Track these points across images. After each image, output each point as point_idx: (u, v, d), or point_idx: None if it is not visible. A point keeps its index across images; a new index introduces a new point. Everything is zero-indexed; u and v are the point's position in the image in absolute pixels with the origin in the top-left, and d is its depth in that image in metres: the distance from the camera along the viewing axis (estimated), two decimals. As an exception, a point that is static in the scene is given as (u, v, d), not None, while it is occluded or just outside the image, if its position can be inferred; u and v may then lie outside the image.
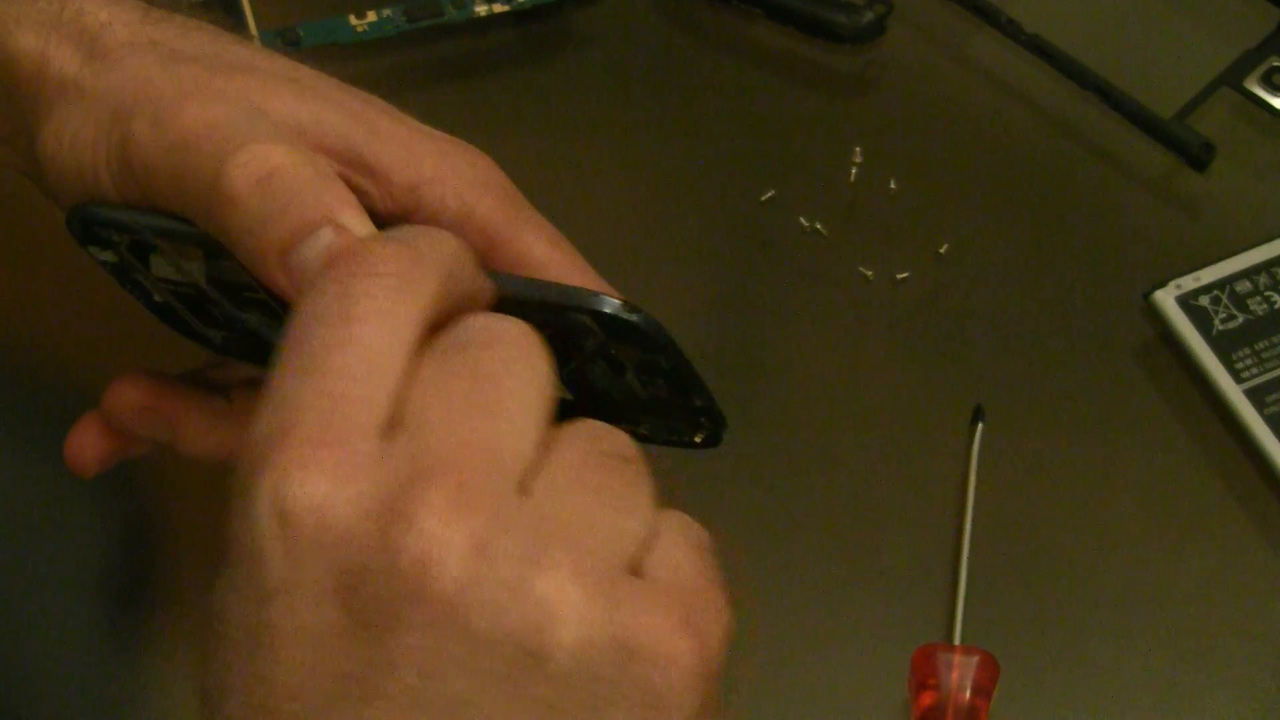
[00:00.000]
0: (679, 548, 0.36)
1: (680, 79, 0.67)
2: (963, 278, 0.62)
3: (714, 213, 0.64)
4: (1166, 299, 0.59)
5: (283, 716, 0.33)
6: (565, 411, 0.37)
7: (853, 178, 0.63)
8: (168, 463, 0.49)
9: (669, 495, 0.57)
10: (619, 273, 0.44)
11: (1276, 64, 0.64)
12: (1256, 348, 0.58)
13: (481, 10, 0.66)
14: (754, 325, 0.61)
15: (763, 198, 0.63)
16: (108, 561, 0.56)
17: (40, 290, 0.60)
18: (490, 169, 0.44)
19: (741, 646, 0.56)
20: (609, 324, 0.40)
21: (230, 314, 0.44)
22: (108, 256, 0.44)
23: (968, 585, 0.54)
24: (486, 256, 0.43)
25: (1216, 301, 0.58)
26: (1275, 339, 0.58)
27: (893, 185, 0.63)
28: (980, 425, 0.57)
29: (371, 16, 0.65)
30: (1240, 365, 0.57)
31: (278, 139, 0.41)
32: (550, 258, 0.44)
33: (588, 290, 0.40)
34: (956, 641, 0.53)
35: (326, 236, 0.39)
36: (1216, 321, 0.58)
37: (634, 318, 0.40)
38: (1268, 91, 0.63)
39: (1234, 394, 0.57)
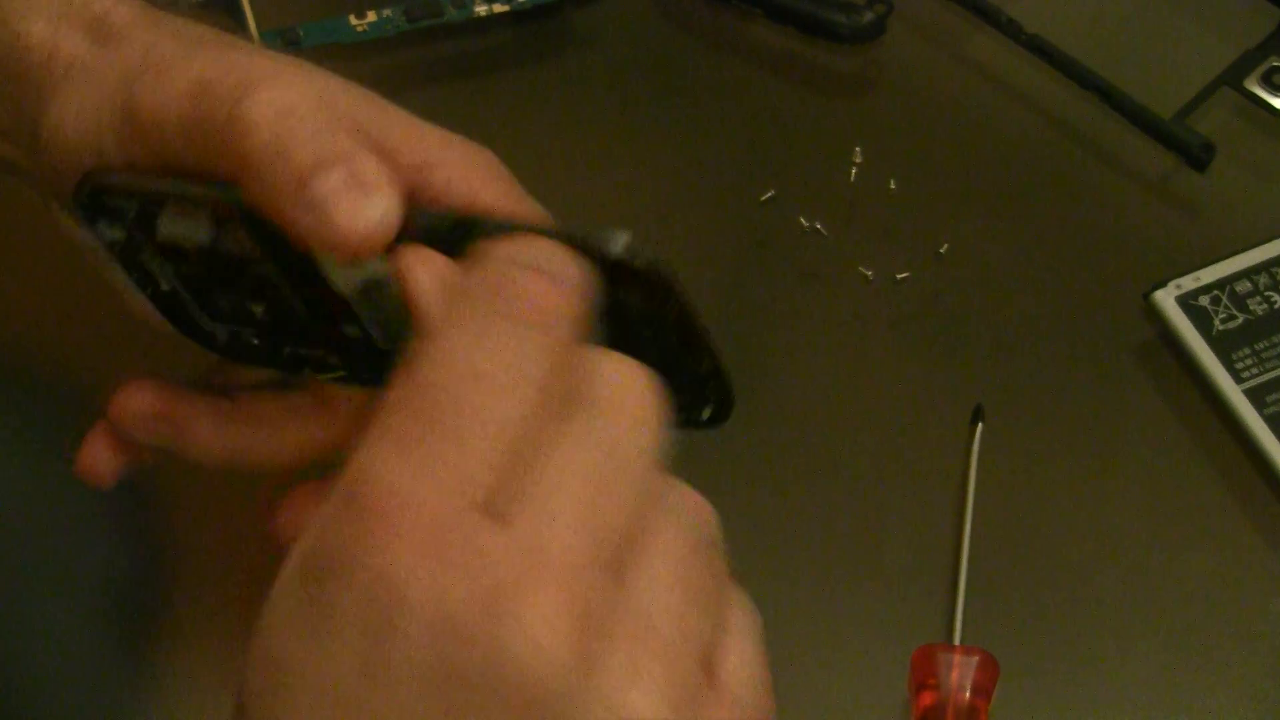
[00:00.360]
0: (748, 644, 0.35)
1: (680, 79, 0.67)
2: (963, 278, 0.62)
3: (714, 212, 0.64)
4: (1166, 299, 0.59)
5: None
6: None
7: (853, 178, 0.63)
8: (171, 468, 0.48)
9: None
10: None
11: (1276, 64, 0.64)
12: (1256, 348, 0.58)
13: (481, 10, 0.66)
14: (754, 325, 0.61)
15: (763, 197, 0.63)
16: (110, 565, 0.56)
17: (41, 292, 0.60)
18: (494, 161, 0.44)
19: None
20: (615, 268, 0.37)
21: (236, 304, 0.44)
22: (116, 234, 0.43)
23: (968, 585, 0.54)
24: None
25: (1216, 301, 0.58)
26: (1275, 339, 0.58)
27: (893, 185, 0.63)
28: (980, 425, 0.57)
29: (371, 16, 0.65)
30: (1240, 365, 0.57)
31: (293, 86, 0.41)
32: None
33: (597, 229, 0.38)
34: (956, 641, 0.53)
35: (342, 173, 0.39)
36: (1216, 321, 0.58)
37: (642, 261, 0.37)
38: (1268, 91, 0.63)
39: (1234, 394, 0.57)
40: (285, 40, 0.64)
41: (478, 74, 0.67)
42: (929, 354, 0.60)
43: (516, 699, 0.31)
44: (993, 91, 0.66)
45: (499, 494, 0.33)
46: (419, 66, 0.67)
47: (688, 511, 0.35)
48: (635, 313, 0.39)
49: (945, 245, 0.62)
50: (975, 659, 0.51)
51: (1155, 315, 0.59)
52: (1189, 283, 0.59)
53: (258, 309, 0.43)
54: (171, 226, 0.43)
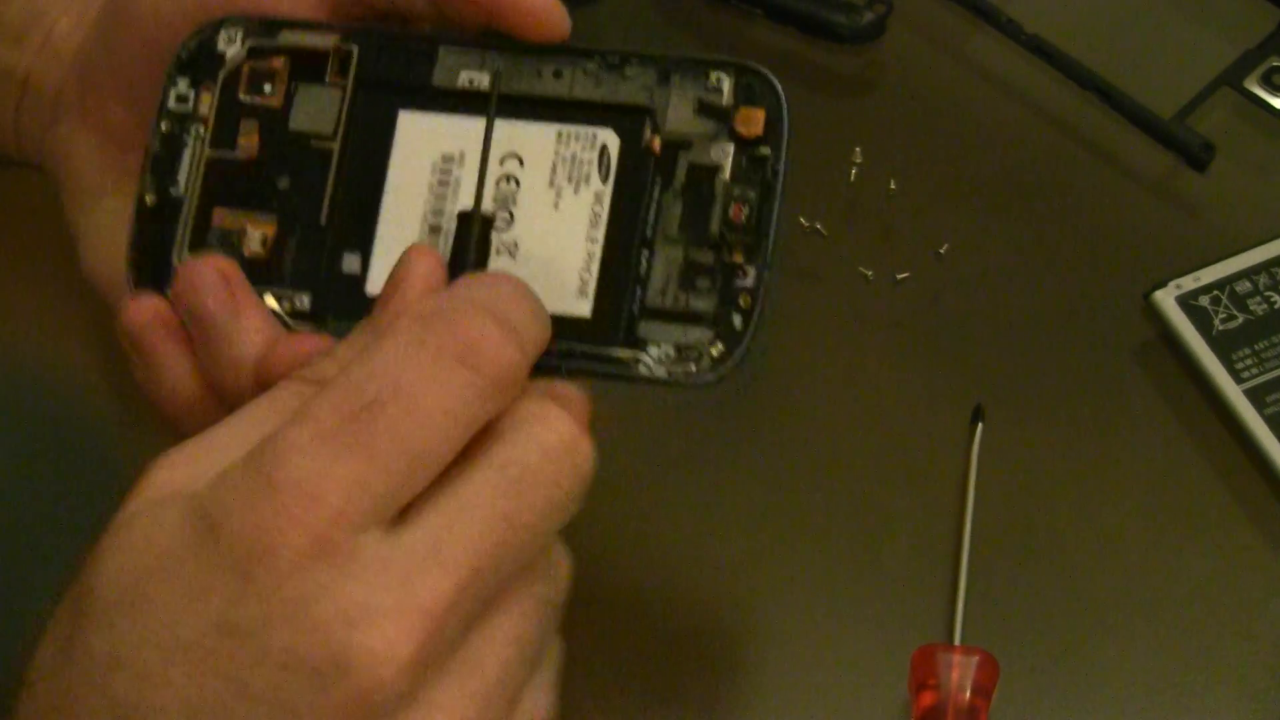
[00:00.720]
0: (549, 676, 0.38)
1: (680, 79, 0.67)
2: (963, 278, 0.62)
3: (714, 213, 0.63)
4: (1166, 299, 0.59)
5: None
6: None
7: (853, 178, 0.63)
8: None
9: (670, 495, 0.57)
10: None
11: (1276, 64, 0.64)
12: (1256, 348, 0.58)
13: (481, 10, 0.66)
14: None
15: (763, 198, 0.63)
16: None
17: (41, 292, 0.60)
18: None
19: (742, 646, 0.56)
20: (743, 88, 0.43)
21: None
22: (206, 100, 0.45)
23: (968, 585, 0.54)
24: None
25: (1216, 301, 0.58)
26: (1275, 339, 0.58)
27: (893, 185, 0.63)
28: (980, 425, 0.57)
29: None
30: (1240, 365, 0.57)
31: None
32: None
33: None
34: (956, 641, 0.53)
35: None
36: (1216, 321, 0.58)
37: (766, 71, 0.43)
38: (1268, 91, 0.63)
39: (1234, 394, 0.57)
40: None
41: (478, 74, 0.67)
42: (929, 354, 0.60)
43: (341, 696, 0.34)
44: (993, 91, 0.66)
45: (392, 507, 0.35)
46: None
47: (551, 575, 0.38)
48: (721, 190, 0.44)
49: (945, 245, 0.62)
50: (975, 659, 0.51)
51: (1155, 315, 0.59)
52: (1189, 283, 0.59)
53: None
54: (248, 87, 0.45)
